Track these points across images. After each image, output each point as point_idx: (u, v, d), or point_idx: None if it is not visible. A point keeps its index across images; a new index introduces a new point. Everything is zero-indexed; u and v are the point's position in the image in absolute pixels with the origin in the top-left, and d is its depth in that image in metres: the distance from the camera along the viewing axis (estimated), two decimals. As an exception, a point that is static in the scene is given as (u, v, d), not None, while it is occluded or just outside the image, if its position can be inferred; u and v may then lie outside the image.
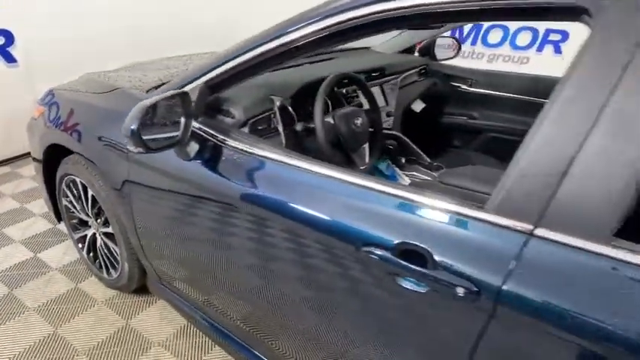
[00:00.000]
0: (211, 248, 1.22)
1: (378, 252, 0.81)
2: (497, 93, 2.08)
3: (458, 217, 0.76)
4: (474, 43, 4.31)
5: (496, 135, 2.11)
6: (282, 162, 1.01)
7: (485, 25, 4.29)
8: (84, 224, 1.85)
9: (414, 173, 1.71)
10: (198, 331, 1.65)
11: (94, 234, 1.80)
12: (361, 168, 1.43)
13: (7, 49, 2.90)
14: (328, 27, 0.92)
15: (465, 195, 1.21)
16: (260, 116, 1.30)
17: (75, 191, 1.74)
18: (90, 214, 1.73)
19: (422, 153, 1.74)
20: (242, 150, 1.07)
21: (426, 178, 1.70)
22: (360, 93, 1.62)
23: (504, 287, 0.69)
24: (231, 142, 1.09)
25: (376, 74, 1.85)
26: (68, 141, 1.60)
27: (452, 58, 2.38)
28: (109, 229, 1.64)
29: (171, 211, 1.27)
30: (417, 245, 0.78)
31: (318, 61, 1.87)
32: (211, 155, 1.13)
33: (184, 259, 1.37)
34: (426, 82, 2.19)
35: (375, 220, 0.85)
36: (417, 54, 2.39)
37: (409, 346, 0.88)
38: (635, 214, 0.78)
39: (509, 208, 0.71)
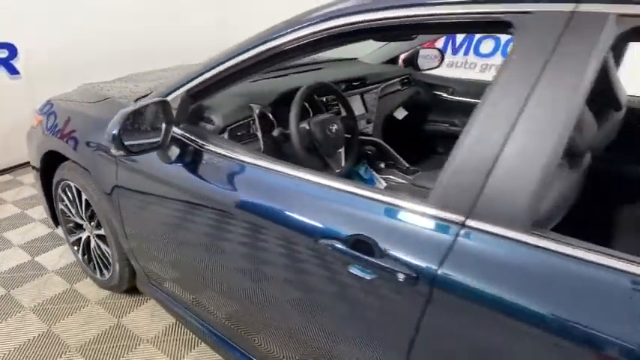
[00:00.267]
0: (193, 248, 1.30)
1: (333, 243, 0.89)
2: (476, 100, 2.15)
3: (402, 211, 0.84)
4: (466, 53, 4.41)
5: None
6: (254, 164, 1.09)
7: (477, 35, 4.38)
8: (79, 227, 1.94)
9: (391, 177, 1.79)
10: (185, 329, 1.73)
11: (88, 237, 1.89)
12: (337, 171, 1.51)
13: (11, 61, 3.02)
14: (301, 37, 1.00)
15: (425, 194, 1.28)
16: (239, 123, 1.39)
17: (70, 195, 1.83)
18: (84, 218, 1.82)
19: (400, 158, 1.82)
20: (218, 154, 1.16)
21: (402, 181, 1.78)
22: (340, 101, 1.71)
23: (439, 272, 0.77)
24: (209, 147, 1.18)
25: (357, 83, 1.94)
26: (64, 148, 1.69)
27: (435, 67, 2.48)
28: (102, 232, 1.73)
29: (156, 215, 1.36)
30: (366, 236, 0.86)
31: (304, 71, 1.97)
32: (191, 159, 1.22)
33: (170, 259, 1.45)
34: (409, 91, 2.28)
35: (332, 216, 0.93)
36: (401, 64, 2.48)
37: (359, 329, 0.95)
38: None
39: (445, 202, 0.79)
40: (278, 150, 1.44)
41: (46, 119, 1.84)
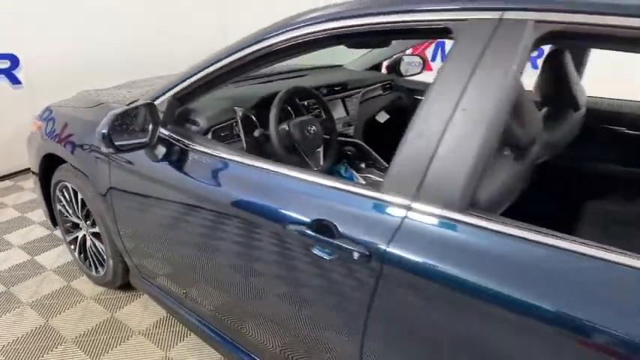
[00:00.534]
0: (181, 242, 1.40)
1: (299, 228, 0.99)
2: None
3: (359, 197, 0.94)
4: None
5: None
6: (235, 160, 1.19)
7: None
8: (75, 227, 2.04)
9: (370, 175, 1.89)
10: (176, 321, 1.82)
11: (84, 235, 1.99)
12: (315, 169, 1.61)
13: (13, 71, 3.15)
14: (271, 45, 1.11)
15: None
16: (222, 124, 1.50)
17: (67, 196, 1.93)
18: (80, 217, 1.93)
19: (379, 158, 1.93)
20: (202, 152, 1.26)
21: (380, 179, 1.87)
22: (320, 104, 1.82)
23: (388, 250, 0.86)
24: (193, 146, 1.28)
25: (338, 88, 2.06)
26: (61, 151, 1.80)
27: (417, 74, 2.59)
28: (97, 229, 1.83)
29: (146, 212, 1.46)
30: (327, 220, 0.95)
31: (289, 77, 2.08)
32: (177, 157, 1.32)
33: (159, 253, 1.54)
34: (391, 96, 2.38)
35: (299, 204, 1.03)
36: (384, 71, 2.60)
37: (323, 306, 1.04)
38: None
39: (394, 188, 0.89)
40: (259, 149, 1.54)
41: (45, 124, 1.95)
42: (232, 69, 1.21)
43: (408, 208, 0.87)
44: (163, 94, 1.39)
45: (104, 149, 1.19)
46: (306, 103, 1.81)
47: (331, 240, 0.94)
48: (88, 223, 1.91)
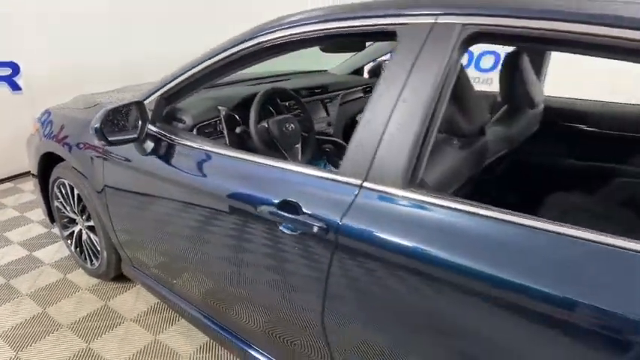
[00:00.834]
0: (168, 230, 1.52)
1: (267, 208, 1.12)
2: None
3: (319, 179, 1.07)
4: (466, 67, 4.70)
5: None
6: (216, 152, 1.31)
7: (478, 51, 4.66)
8: (72, 222, 2.16)
9: (347, 171, 2.02)
10: (166, 307, 1.94)
11: (80, 230, 2.12)
12: (293, 163, 1.74)
13: (13, 78, 3.29)
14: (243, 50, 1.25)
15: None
16: (206, 122, 1.63)
17: (64, 192, 2.06)
18: (76, 212, 2.05)
19: (357, 155, 2.06)
20: (187, 145, 1.39)
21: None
22: (299, 105, 1.96)
23: (341, 223, 0.99)
24: (179, 141, 1.41)
25: (318, 91, 2.20)
26: (59, 149, 1.93)
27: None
28: (92, 223, 1.95)
29: (136, 204, 1.59)
30: (292, 201, 1.08)
31: (274, 81, 2.22)
32: (165, 151, 1.44)
33: (149, 242, 1.66)
34: (371, 98, 2.52)
35: (268, 187, 1.16)
36: (366, 75, 2.74)
37: (291, 277, 1.16)
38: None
39: (349, 170, 1.02)
40: (241, 144, 1.67)
41: (44, 125, 2.08)
42: (211, 71, 1.34)
43: (360, 187, 1.00)
44: (152, 94, 1.52)
45: (96, 142, 1.32)
46: (287, 103, 1.95)
47: (295, 217, 1.07)
48: (83, 217, 2.04)
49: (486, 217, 0.85)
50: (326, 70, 2.77)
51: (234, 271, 1.35)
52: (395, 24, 1.02)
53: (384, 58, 2.66)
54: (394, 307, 0.97)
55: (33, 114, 3.28)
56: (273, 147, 1.70)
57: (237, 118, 1.72)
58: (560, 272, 0.75)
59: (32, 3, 3.24)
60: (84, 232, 2.09)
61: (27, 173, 3.38)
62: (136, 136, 1.42)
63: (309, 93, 2.14)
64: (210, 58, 1.33)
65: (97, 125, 1.30)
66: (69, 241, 2.23)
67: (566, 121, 1.96)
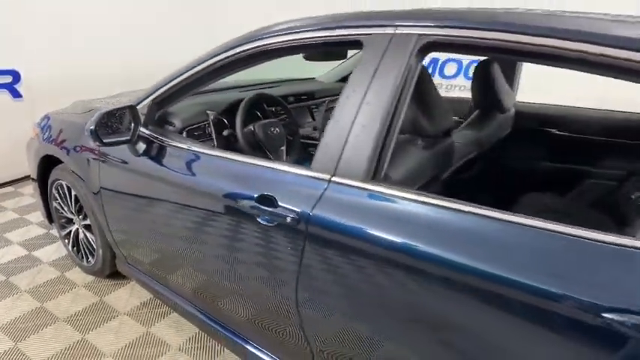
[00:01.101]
0: (159, 226, 1.62)
1: (248, 202, 1.22)
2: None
3: (293, 175, 1.18)
4: (432, 75, 4.82)
5: None
6: (204, 153, 1.42)
7: (442, 59, 4.79)
8: (69, 222, 2.26)
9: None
10: (159, 302, 2.03)
11: (77, 229, 2.22)
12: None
13: (15, 86, 3.41)
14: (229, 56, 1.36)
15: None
16: (195, 125, 1.74)
17: (62, 192, 2.16)
18: (73, 211, 2.15)
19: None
20: (176, 147, 1.50)
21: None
22: (284, 110, 2.08)
23: (311, 214, 1.09)
24: (169, 142, 1.52)
25: (305, 97, 2.31)
26: (57, 152, 2.03)
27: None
28: (88, 222, 2.05)
29: (129, 202, 1.69)
30: (269, 194, 1.18)
31: (263, 87, 2.34)
32: (156, 152, 1.55)
33: (142, 241, 1.76)
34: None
35: (250, 183, 1.26)
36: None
37: (268, 265, 1.25)
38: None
39: (320, 166, 1.13)
40: (228, 147, 1.78)
41: (43, 130, 2.19)
42: (198, 78, 1.46)
43: (329, 181, 1.10)
44: (145, 98, 1.63)
45: (92, 143, 1.42)
46: (273, 109, 2.06)
47: (271, 209, 1.17)
48: (80, 217, 2.14)
49: (438, 206, 0.95)
50: (314, 78, 2.89)
51: (219, 263, 1.45)
52: (361, 34, 1.14)
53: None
54: (361, 292, 1.07)
55: (33, 120, 3.40)
56: (259, 149, 1.81)
57: (226, 121, 1.83)
58: (504, 257, 0.85)
59: (33, 11, 3.36)
60: (80, 231, 2.19)
61: (27, 177, 3.49)
62: (128, 138, 1.52)
63: (296, 99, 2.26)
64: (196, 66, 1.44)
65: (92, 127, 1.40)
66: (66, 241, 2.32)
67: (539, 125, 2.07)
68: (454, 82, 4.66)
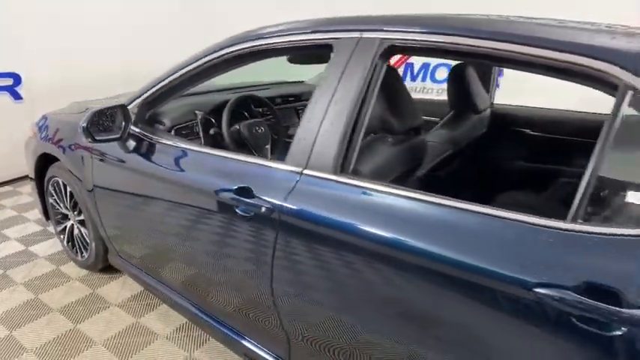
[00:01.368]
0: (148, 220, 1.71)
1: (226, 194, 1.31)
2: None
3: (268, 168, 1.27)
4: (423, 79, 4.92)
5: None
6: (190, 149, 1.50)
7: (433, 63, 4.89)
8: (65, 218, 2.35)
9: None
10: (149, 295, 2.11)
11: (72, 225, 2.30)
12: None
13: (15, 88, 3.51)
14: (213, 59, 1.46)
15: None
16: (183, 124, 1.84)
17: (58, 189, 2.25)
18: (68, 207, 2.24)
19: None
20: (165, 144, 1.59)
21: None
22: (270, 110, 2.17)
23: (284, 204, 1.18)
24: (158, 140, 1.61)
25: (292, 99, 2.41)
26: (54, 150, 2.13)
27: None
28: (82, 217, 2.14)
29: (120, 198, 1.78)
30: (246, 186, 1.27)
31: (255, 90, 2.44)
32: (146, 149, 1.64)
33: (132, 234, 1.85)
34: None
35: (230, 176, 1.35)
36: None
37: (247, 253, 1.33)
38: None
39: (294, 160, 1.22)
40: (215, 145, 1.87)
41: (41, 129, 2.28)
42: (184, 80, 1.55)
43: (301, 174, 1.19)
44: (136, 99, 1.73)
45: (83, 139, 1.52)
46: (260, 109, 2.16)
47: (248, 200, 1.26)
48: (75, 213, 2.23)
49: (401, 195, 1.04)
50: (303, 81, 2.99)
51: (203, 254, 1.54)
52: (331, 38, 1.23)
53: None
54: (329, 278, 1.15)
55: (33, 121, 3.50)
56: (245, 147, 1.90)
57: (213, 121, 1.92)
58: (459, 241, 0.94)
59: (34, 15, 3.46)
60: (75, 226, 2.28)
61: (26, 177, 3.58)
62: (119, 135, 1.62)
63: (284, 101, 2.35)
64: (181, 69, 1.54)
65: (85, 124, 1.50)
66: (62, 236, 2.41)
67: (515, 126, 2.16)
68: (445, 86, 4.75)
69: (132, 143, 1.67)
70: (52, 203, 2.38)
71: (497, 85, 4.46)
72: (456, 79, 1.89)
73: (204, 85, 2.11)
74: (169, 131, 1.80)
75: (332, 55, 1.22)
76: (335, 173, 1.14)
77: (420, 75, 4.97)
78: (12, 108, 3.52)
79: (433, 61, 4.71)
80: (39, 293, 2.14)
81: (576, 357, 0.83)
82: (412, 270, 1.00)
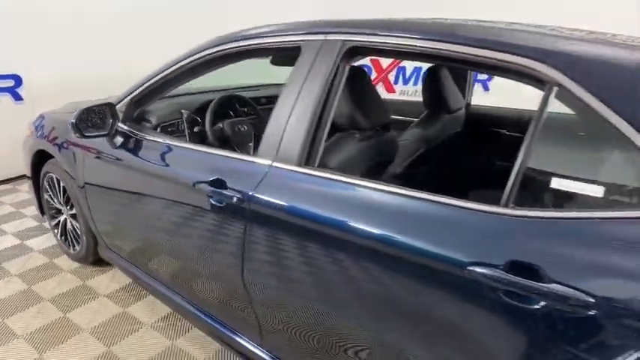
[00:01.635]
0: (135, 211, 1.80)
1: (202, 186, 1.40)
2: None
3: (242, 162, 1.36)
4: (415, 83, 5.01)
5: None
6: (174, 145, 1.59)
7: (424, 68, 4.95)
8: (58, 212, 2.45)
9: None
10: (137, 287, 2.20)
11: (65, 219, 2.40)
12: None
13: (16, 89, 3.62)
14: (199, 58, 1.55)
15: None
16: (168, 122, 1.93)
17: (52, 184, 2.35)
18: (61, 202, 2.34)
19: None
20: (151, 140, 1.68)
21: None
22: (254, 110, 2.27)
23: (253, 194, 1.26)
24: (144, 136, 1.70)
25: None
26: (49, 147, 2.22)
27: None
28: (74, 211, 2.23)
29: (109, 192, 1.87)
30: (220, 178, 1.36)
31: (242, 91, 2.53)
32: (133, 145, 1.73)
33: (121, 229, 1.94)
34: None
35: (205, 169, 1.43)
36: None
37: (221, 241, 1.42)
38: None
39: (264, 153, 1.31)
40: (200, 142, 1.96)
41: (38, 128, 2.38)
42: (169, 79, 1.65)
43: (270, 166, 1.28)
44: (124, 97, 1.82)
45: (72, 135, 1.61)
46: (245, 109, 2.25)
47: (221, 190, 1.34)
48: (67, 207, 2.32)
49: (362, 186, 1.12)
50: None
51: (184, 245, 1.62)
52: (300, 40, 1.32)
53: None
54: (295, 265, 1.23)
55: (30, 120, 3.61)
56: (228, 145, 1.99)
57: (198, 119, 2.02)
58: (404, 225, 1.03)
59: (34, 17, 3.57)
60: (68, 220, 2.37)
61: (25, 176, 3.69)
62: (106, 132, 1.71)
63: (269, 101, 2.44)
64: (165, 70, 1.63)
65: (74, 121, 1.59)
66: (55, 230, 2.51)
67: (489, 126, 2.24)
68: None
69: (119, 139, 1.76)
70: (47, 199, 2.48)
71: (487, 89, 4.59)
72: (430, 80, 1.97)
73: (193, 87, 2.22)
74: (155, 129, 1.89)
75: (299, 56, 1.31)
76: (300, 165, 1.22)
77: (413, 79, 5.07)
78: (13, 109, 3.63)
79: (424, 65, 4.80)
80: (32, 284, 2.23)
81: (504, 328, 0.91)
82: (367, 253, 1.08)
